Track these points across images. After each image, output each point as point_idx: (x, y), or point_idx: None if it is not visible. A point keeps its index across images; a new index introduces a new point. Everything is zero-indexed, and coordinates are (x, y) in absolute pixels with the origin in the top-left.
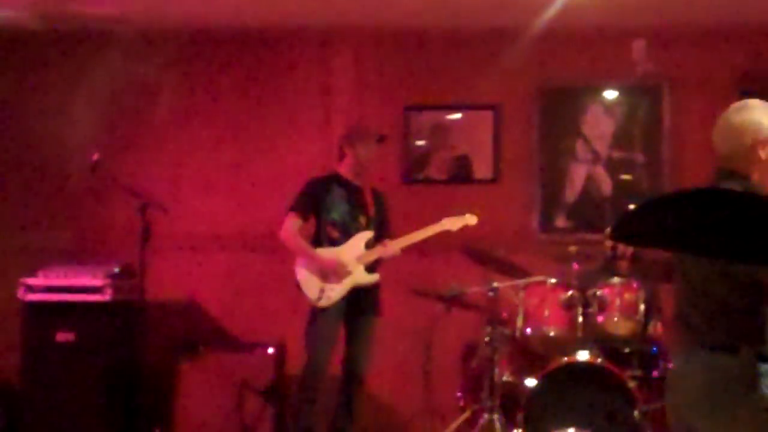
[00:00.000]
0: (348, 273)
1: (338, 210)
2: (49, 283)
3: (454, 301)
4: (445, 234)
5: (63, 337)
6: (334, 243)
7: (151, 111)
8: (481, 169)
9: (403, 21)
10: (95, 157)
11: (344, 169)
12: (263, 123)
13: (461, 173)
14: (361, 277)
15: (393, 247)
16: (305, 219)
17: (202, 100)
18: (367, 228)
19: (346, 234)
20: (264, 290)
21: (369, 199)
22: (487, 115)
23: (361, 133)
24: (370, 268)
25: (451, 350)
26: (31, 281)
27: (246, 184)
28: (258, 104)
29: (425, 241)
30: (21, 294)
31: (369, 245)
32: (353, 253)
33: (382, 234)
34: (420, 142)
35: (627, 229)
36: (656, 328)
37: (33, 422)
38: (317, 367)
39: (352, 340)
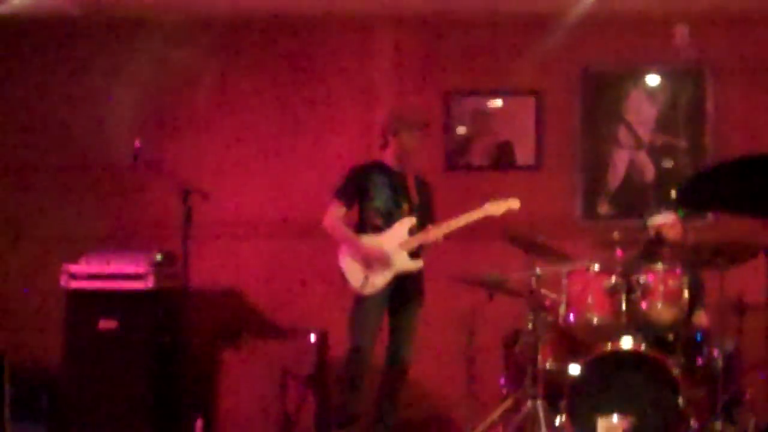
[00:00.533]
0: (391, 263)
1: (381, 197)
2: (91, 271)
3: (497, 288)
4: (488, 221)
5: (105, 324)
6: (377, 230)
7: (193, 98)
8: (523, 156)
9: (445, 6)
10: (137, 144)
11: (388, 157)
12: (304, 110)
13: (503, 160)
14: (404, 263)
15: (436, 232)
16: (349, 207)
17: (243, 87)
18: (410, 215)
19: (390, 221)
20: (306, 277)
21: (412, 185)
22: (529, 101)
23: (405, 120)
24: (414, 255)
25: (494, 337)
26: (73, 269)
27: (288, 170)
28: (299, 90)
29: (468, 228)
30: (64, 281)
31: (412, 232)
32: (396, 239)
33: (425, 220)
34: (461, 129)
35: (692, 194)
36: (700, 315)
37: (75, 410)
38: (361, 354)
39: (396, 329)
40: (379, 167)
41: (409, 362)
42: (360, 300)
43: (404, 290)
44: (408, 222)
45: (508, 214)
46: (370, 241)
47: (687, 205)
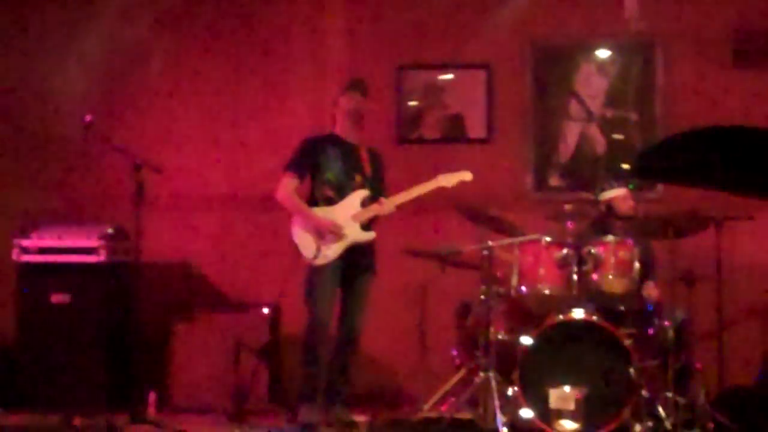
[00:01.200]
0: (343, 234)
1: (333, 169)
2: (43, 245)
3: (449, 260)
4: (440, 193)
5: (58, 298)
6: (330, 202)
7: (144, 72)
8: (475, 129)
9: None
10: (88, 118)
11: (338, 128)
12: (255, 83)
13: (454, 132)
14: (356, 234)
15: (388, 204)
16: (301, 179)
17: (194, 61)
18: (362, 187)
19: (342, 193)
20: (258, 251)
21: (365, 157)
22: (480, 75)
23: (346, 86)
24: (366, 226)
25: (446, 309)
26: (24, 242)
27: (239, 144)
28: (250, 64)
29: (420, 200)
30: (15, 255)
31: (365, 203)
32: (349, 211)
33: (378, 193)
34: (413, 102)
35: (646, 165)
36: (650, 287)
37: (28, 383)
38: (320, 326)
39: (347, 299)
40: (332, 140)
41: (360, 332)
42: (313, 272)
43: (356, 261)
44: (360, 194)
45: (460, 187)
46: (322, 212)
47: (641, 176)
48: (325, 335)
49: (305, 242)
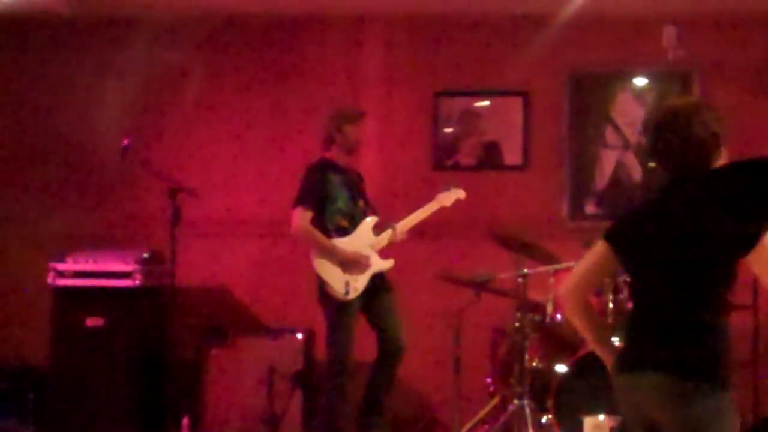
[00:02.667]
0: (370, 264)
1: (342, 197)
2: (78, 268)
3: (484, 287)
4: (475, 220)
5: (92, 322)
6: (343, 232)
7: (181, 97)
8: (511, 156)
9: (433, 6)
10: (125, 142)
11: (335, 154)
12: (293, 108)
13: (490, 159)
14: (379, 264)
15: (401, 230)
16: (315, 211)
17: (231, 86)
18: (366, 212)
19: (353, 221)
20: (293, 276)
21: (358, 180)
22: (517, 102)
23: (345, 114)
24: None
25: (481, 336)
26: (60, 266)
27: (276, 169)
28: (288, 90)
29: (455, 227)
30: (50, 279)
31: (376, 230)
32: (366, 240)
33: (375, 215)
34: (449, 129)
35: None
36: None
37: (62, 408)
38: (349, 362)
39: (383, 322)
40: (332, 167)
41: (405, 347)
42: (342, 307)
43: (374, 287)
44: (371, 221)
45: (496, 214)
46: (342, 244)
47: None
48: (350, 371)
49: (334, 277)
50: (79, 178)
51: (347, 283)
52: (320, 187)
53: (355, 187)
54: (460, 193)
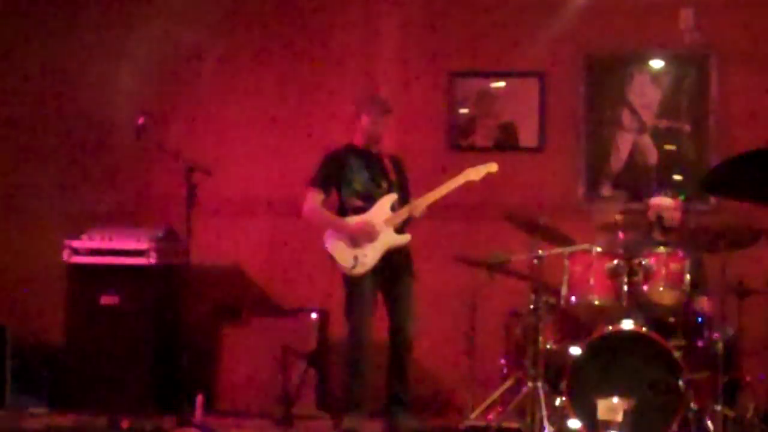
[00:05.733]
0: (377, 233)
1: (359, 179)
2: (93, 246)
3: (499, 268)
4: (491, 202)
5: (107, 300)
6: (359, 212)
7: (196, 75)
8: (527, 137)
9: None
10: (140, 121)
11: (358, 139)
12: (308, 88)
13: (506, 141)
14: (391, 239)
15: (419, 205)
16: (326, 193)
17: (247, 65)
18: (389, 192)
19: (370, 201)
20: (307, 255)
21: (388, 163)
22: (533, 83)
23: (367, 105)
24: (399, 230)
25: (495, 318)
26: (75, 244)
27: (291, 148)
28: (302, 69)
29: (470, 208)
30: (66, 256)
31: (395, 208)
32: (381, 217)
33: (404, 198)
34: (465, 109)
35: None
36: (701, 300)
37: (76, 384)
38: (362, 337)
39: (393, 305)
40: (353, 150)
41: (413, 337)
42: (353, 282)
43: (393, 266)
44: (389, 198)
45: (511, 196)
46: (353, 219)
47: (712, 191)
48: (366, 347)
49: (341, 253)
50: (94, 157)
51: (355, 258)
52: (333, 170)
53: (378, 169)
54: (491, 167)
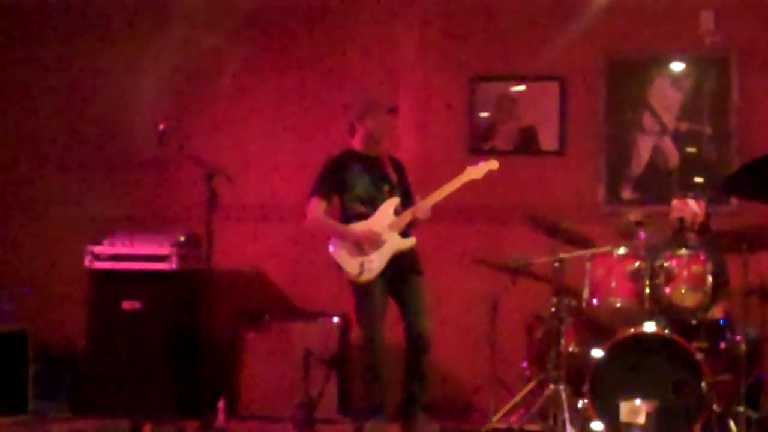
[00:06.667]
0: (382, 241)
1: (360, 184)
2: (115, 251)
3: (520, 271)
4: (512, 205)
5: (129, 305)
6: (362, 218)
7: (217, 81)
8: (547, 141)
9: None
10: (161, 126)
11: (357, 144)
12: (329, 93)
13: (527, 144)
14: (397, 243)
15: (423, 206)
16: (328, 201)
17: (267, 71)
18: (391, 195)
19: (373, 206)
20: (328, 260)
21: (388, 166)
22: (554, 87)
23: (370, 106)
24: (404, 234)
25: (517, 321)
26: (97, 249)
27: (311, 153)
28: (323, 74)
29: (491, 212)
30: (87, 262)
31: (398, 211)
32: (384, 221)
33: (407, 199)
34: (485, 113)
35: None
36: (718, 308)
37: (99, 389)
38: (376, 343)
39: (405, 307)
40: (352, 155)
41: (429, 335)
42: (360, 289)
43: (401, 268)
44: (392, 203)
45: (532, 199)
46: (359, 226)
47: (734, 193)
48: (381, 351)
49: (347, 261)
50: (116, 162)
51: (362, 264)
52: (334, 177)
53: (380, 173)
54: (492, 165)
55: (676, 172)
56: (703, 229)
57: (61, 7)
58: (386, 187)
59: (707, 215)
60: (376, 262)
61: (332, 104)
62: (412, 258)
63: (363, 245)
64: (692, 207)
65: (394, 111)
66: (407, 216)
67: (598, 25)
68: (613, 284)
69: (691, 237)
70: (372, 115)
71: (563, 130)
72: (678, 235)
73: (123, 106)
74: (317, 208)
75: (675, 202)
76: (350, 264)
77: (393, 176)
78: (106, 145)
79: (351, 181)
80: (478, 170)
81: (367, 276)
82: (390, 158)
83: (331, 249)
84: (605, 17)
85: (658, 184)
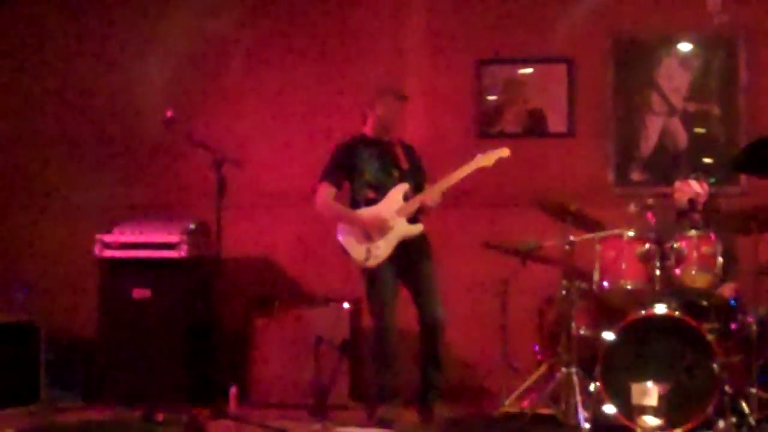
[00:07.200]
0: (389, 227)
1: (370, 170)
2: (124, 240)
3: (530, 255)
4: (521, 188)
5: (139, 293)
6: (372, 203)
7: (225, 67)
8: (556, 123)
9: None
10: (169, 113)
11: (368, 130)
12: (337, 78)
13: (535, 127)
14: (404, 229)
15: (432, 193)
16: (338, 186)
17: (275, 56)
18: (401, 181)
19: (383, 192)
20: (338, 245)
21: (399, 152)
22: (561, 69)
23: (381, 92)
24: (413, 220)
25: (528, 304)
26: (106, 238)
27: (319, 139)
28: (331, 59)
29: (500, 195)
30: (97, 250)
31: (407, 197)
32: (392, 207)
33: (419, 184)
34: (493, 96)
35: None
36: (727, 287)
37: (110, 378)
38: (387, 328)
39: (416, 292)
40: (364, 141)
41: (442, 320)
42: (369, 276)
43: (410, 253)
44: (401, 188)
45: (541, 182)
46: (365, 212)
47: (743, 170)
48: (393, 337)
49: (353, 246)
50: (124, 150)
51: (368, 250)
52: (344, 162)
53: (390, 159)
54: (503, 152)
55: (684, 153)
56: (707, 208)
57: None
58: (396, 173)
59: (710, 195)
60: (383, 248)
61: (341, 89)
62: (422, 243)
63: (370, 231)
64: (695, 188)
65: (404, 98)
66: (416, 202)
67: (605, 6)
68: (624, 266)
69: (696, 217)
70: (382, 102)
71: (571, 113)
72: (683, 216)
73: (130, 93)
74: (326, 192)
75: (677, 184)
76: (357, 249)
77: (404, 162)
78: (114, 134)
79: (361, 167)
80: (488, 158)
81: (374, 262)
82: (402, 144)
83: (338, 234)
84: None
85: (667, 166)
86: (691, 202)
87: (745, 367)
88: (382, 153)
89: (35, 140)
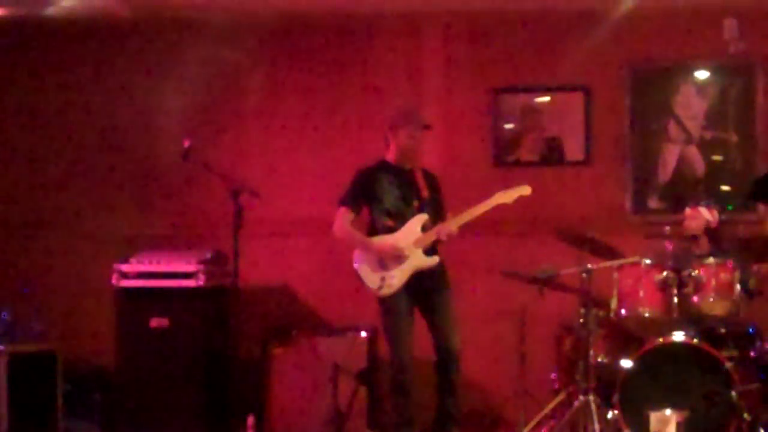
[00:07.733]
0: (405, 257)
1: (390, 197)
2: (142, 269)
3: (548, 282)
4: (538, 216)
5: (157, 322)
6: (390, 231)
7: (242, 97)
8: (573, 151)
9: (493, 3)
10: (186, 143)
11: (390, 156)
12: (353, 107)
13: (552, 155)
14: (420, 260)
15: (449, 226)
16: (357, 212)
17: (292, 87)
18: (421, 211)
19: (401, 221)
20: (356, 274)
21: (420, 181)
22: (578, 97)
23: (405, 120)
24: (430, 251)
25: (545, 332)
26: (124, 267)
27: (337, 168)
28: (347, 89)
29: (518, 223)
30: (115, 280)
31: (425, 228)
32: (410, 237)
33: (438, 215)
34: (510, 125)
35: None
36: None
37: (127, 407)
38: (403, 358)
39: (433, 322)
40: (385, 167)
41: (458, 351)
42: (385, 305)
43: (425, 284)
44: (420, 219)
45: (559, 210)
46: (381, 240)
47: (761, 198)
48: (408, 367)
49: (368, 274)
50: (142, 180)
51: (382, 279)
52: (364, 188)
53: (410, 187)
54: (524, 190)
55: (702, 181)
56: (716, 236)
57: (83, 24)
58: (416, 203)
59: (723, 222)
60: (397, 277)
61: (358, 118)
62: (439, 273)
63: (385, 259)
64: (704, 215)
65: (427, 127)
66: (433, 234)
67: (622, 34)
68: (642, 294)
69: (704, 244)
70: (404, 129)
71: (588, 141)
72: (691, 242)
73: (148, 123)
74: (345, 217)
75: (688, 211)
76: (371, 277)
77: (424, 191)
78: (132, 163)
79: (380, 194)
80: (508, 195)
81: (387, 291)
82: (424, 172)
83: (353, 261)
84: (629, 26)
85: (684, 193)
86: (710, 230)
87: (763, 395)
88: (403, 181)
89: (52, 171)
